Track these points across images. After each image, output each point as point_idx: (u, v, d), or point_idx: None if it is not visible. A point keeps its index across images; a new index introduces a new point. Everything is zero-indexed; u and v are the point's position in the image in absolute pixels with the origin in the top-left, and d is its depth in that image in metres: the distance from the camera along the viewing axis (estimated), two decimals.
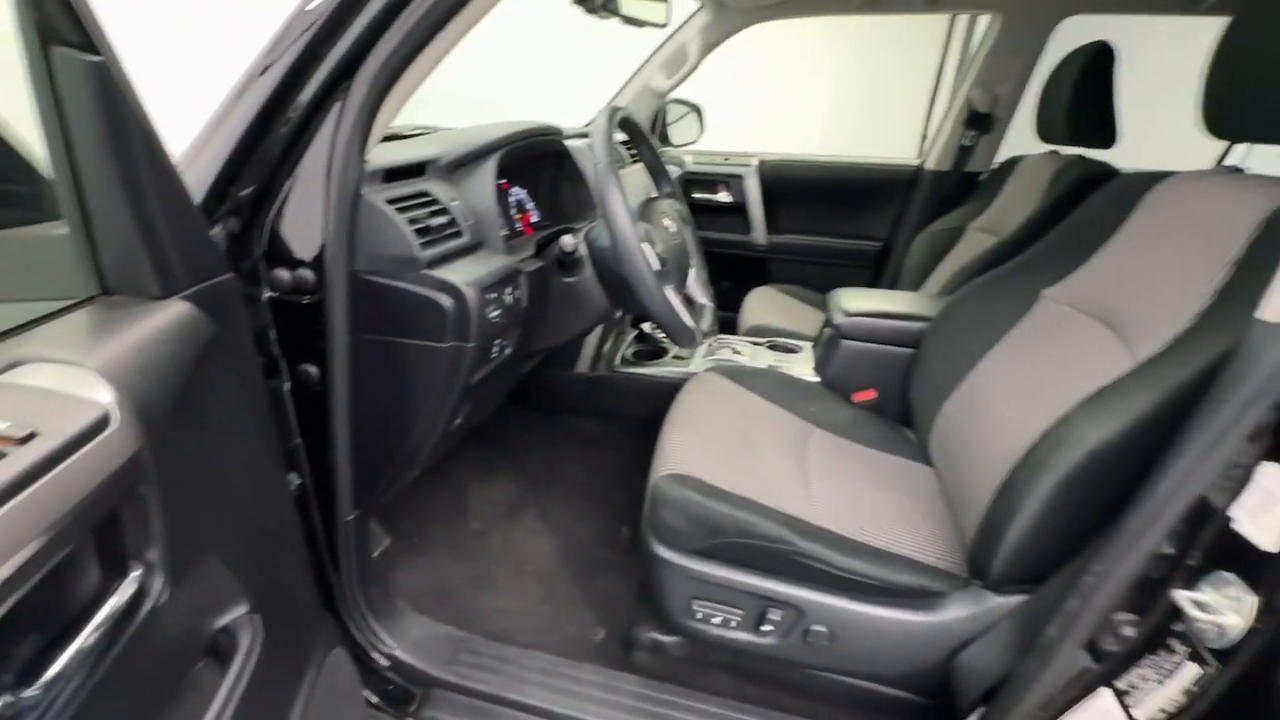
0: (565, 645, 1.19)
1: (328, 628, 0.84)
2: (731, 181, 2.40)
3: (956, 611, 0.88)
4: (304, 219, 0.82)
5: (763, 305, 2.11)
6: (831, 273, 2.32)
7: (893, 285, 2.20)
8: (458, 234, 0.97)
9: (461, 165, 1.08)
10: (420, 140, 1.23)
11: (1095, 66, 1.42)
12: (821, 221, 2.39)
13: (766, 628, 0.98)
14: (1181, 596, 0.61)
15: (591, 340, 1.76)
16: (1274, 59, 0.73)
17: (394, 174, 0.96)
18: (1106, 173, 1.47)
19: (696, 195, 2.46)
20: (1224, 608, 0.58)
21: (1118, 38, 1.45)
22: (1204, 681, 0.60)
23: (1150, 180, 0.99)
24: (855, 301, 1.40)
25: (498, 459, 1.72)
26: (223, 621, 0.58)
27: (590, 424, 1.85)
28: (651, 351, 1.90)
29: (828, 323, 1.44)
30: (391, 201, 0.89)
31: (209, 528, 0.56)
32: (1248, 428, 0.57)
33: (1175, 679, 0.63)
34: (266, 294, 0.84)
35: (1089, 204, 1.11)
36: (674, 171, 2.26)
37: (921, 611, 0.90)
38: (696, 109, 2.35)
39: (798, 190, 2.38)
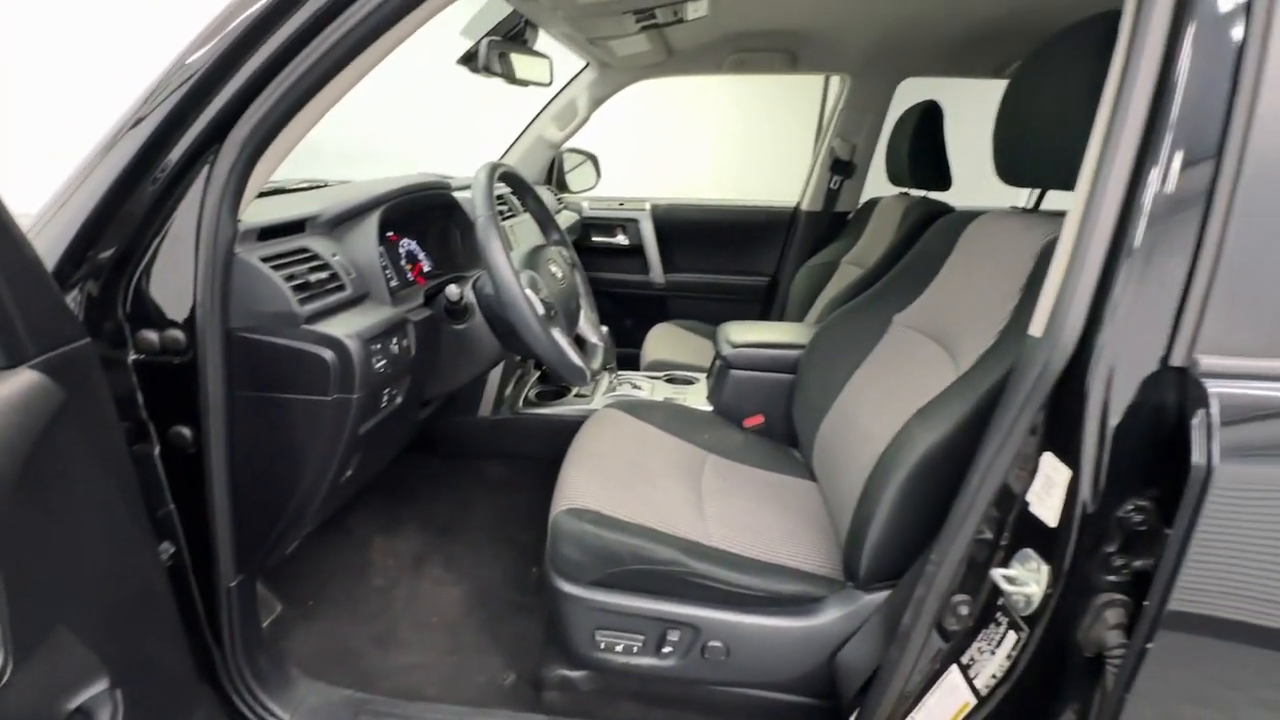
0: (474, 693, 1.18)
1: (207, 702, 0.80)
2: (628, 225, 2.52)
3: (833, 613, 0.96)
4: (174, 279, 0.81)
5: (662, 341, 2.20)
6: (725, 307, 2.46)
7: (781, 316, 2.36)
8: (340, 288, 0.98)
9: (344, 221, 1.10)
10: (302, 196, 1.24)
11: (927, 120, 1.63)
12: (713, 260, 2.54)
13: (667, 649, 1.01)
14: (998, 574, 0.71)
15: (493, 384, 1.78)
16: (1038, 117, 0.89)
17: (272, 231, 0.96)
18: (946, 211, 1.67)
19: (596, 239, 2.55)
20: (1028, 579, 0.69)
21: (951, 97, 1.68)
22: (1019, 646, 0.69)
23: (969, 218, 1.16)
24: (740, 334, 1.51)
25: (403, 510, 1.68)
26: (80, 699, 0.55)
27: (496, 467, 1.85)
28: (555, 391, 1.93)
29: (717, 355, 1.53)
30: (268, 259, 0.89)
31: (61, 601, 0.54)
32: (1027, 424, 0.68)
33: (1001, 647, 0.72)
34: (132, 356, 0.82)
35: (925, 239, 1.27)
36: (572, 217, 2.35)
37: (804, 617, 0.97)
38: (592, 157, 2.47)
39: (690, 231, 2.53)
